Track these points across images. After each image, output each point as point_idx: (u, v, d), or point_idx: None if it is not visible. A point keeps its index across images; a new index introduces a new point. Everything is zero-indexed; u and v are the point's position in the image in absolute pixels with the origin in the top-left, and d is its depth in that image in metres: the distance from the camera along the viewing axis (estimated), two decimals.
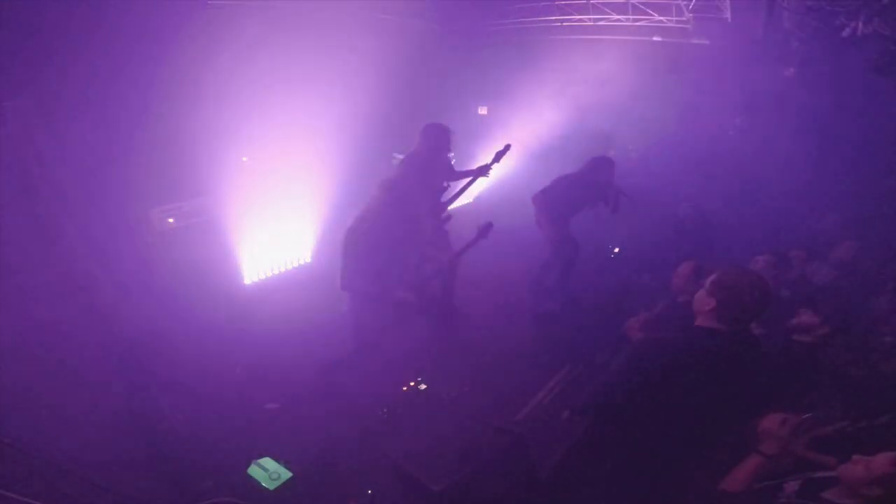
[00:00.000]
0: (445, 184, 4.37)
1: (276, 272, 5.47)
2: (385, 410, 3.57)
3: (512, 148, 4.40)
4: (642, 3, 6.33)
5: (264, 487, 3.04)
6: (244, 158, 5.19)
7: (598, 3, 6.58)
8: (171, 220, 4.86)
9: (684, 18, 6.16)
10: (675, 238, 5.15)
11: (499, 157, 4.31)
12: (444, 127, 4.15)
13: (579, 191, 4.56)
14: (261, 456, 3.17)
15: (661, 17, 6.32)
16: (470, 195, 6.79)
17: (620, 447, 2.09)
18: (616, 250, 5.50)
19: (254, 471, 3.11)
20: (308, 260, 5.70)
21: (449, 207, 4.37)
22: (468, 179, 4.45)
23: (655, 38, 6.53)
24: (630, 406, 1.99)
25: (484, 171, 4.37)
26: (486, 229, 3.78)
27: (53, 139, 4.13)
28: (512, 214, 5.39)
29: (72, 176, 4.14)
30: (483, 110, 7.74)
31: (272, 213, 5.20)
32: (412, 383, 3.84)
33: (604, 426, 2.20)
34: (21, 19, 3.72)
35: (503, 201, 6.48)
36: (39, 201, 4.12)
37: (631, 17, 6.51)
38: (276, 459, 3.16)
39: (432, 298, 3.93)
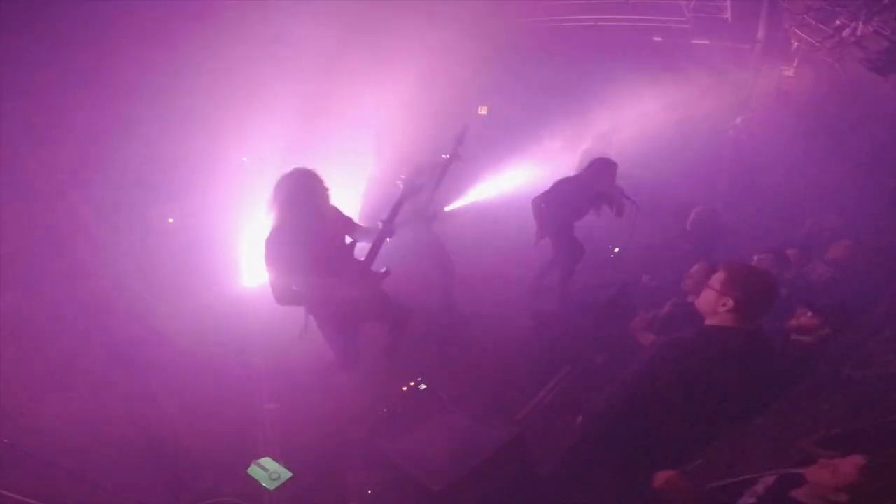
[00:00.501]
0: (398, 182, 4.04)
1: None
2: (385, 410, 3.56)
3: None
4: (642, 3, 6.33)
5: (264, 487, 3.04)
6: (244, 158, 5.19)
7: (598, 2, 6.57)
8: (171, 220, 4.86)
9: (684, 18, 6.16)
10: (679, 238, 5.13)
11: (459, 140, 3.77)
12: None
13: (581, 194, 4.53)
14: (261, 456, 3.17)
15: (661, 17, 6.31)
16: (469, 196, 6.78)
17: (624, 447, 2.08)
18: (616, 250, 5.49)
19: (254, 471, 3.11)
20: None
21: (446, 209, 4.26)
22: (438, 175, 3.88)
23: (655, 39, 6.53)
24: (649, 409, 1.98)
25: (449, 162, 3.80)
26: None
27: (53, 139, 4.13)
28: (512, 215, 5.38)
29: (71, 175, 4.14)
30: (483, 110, 7.73)
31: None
32: (412, 383, 3.83)
33: (611, 427, 2.20)
34: (21, 19, 3.73)
35: (503, 202, 6.46)
36: (39, 201, 4.12)
37: (631, 16, 6.51)
38: (276, 459, 3.16)
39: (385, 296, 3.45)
